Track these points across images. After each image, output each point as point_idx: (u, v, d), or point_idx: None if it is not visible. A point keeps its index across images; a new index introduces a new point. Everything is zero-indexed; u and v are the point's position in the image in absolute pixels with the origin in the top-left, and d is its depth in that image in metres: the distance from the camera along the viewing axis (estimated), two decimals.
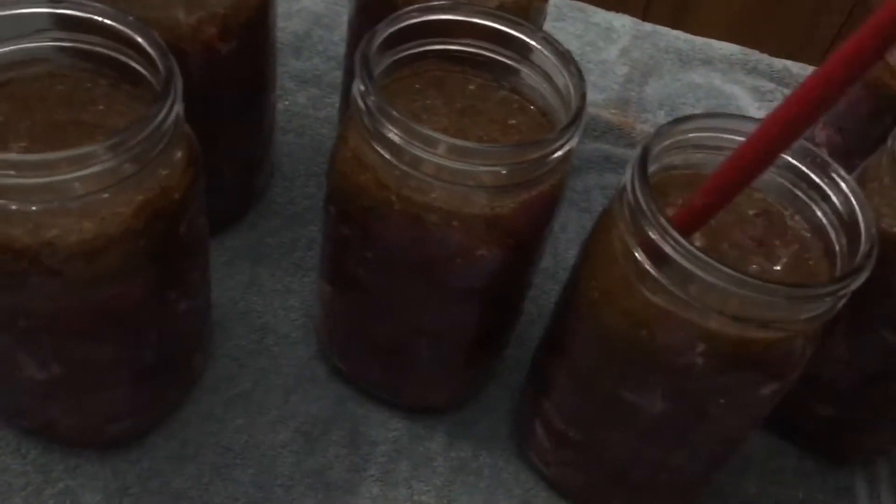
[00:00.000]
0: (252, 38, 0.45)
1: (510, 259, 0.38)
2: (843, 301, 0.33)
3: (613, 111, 0.66)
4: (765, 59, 0.73)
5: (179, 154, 0.35)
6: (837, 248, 0.35)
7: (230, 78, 0.45)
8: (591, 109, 0.65)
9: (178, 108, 0.34)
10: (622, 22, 0.73)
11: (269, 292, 0.50)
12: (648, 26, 0.74)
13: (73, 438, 0.42)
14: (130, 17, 0.35)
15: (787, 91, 0.70)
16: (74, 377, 0.38)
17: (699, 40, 0.73)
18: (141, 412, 0.42)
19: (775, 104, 0.69)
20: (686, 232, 0.33)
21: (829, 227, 0.35)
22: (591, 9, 0.74)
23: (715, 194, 0.32)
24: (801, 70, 0.72)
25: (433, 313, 0.41)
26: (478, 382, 0.47)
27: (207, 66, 0.43)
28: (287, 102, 0.60)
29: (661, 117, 0.66)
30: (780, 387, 0.35)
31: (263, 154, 0.52)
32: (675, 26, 0.75)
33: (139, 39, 0.35)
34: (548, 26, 0.71)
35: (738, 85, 0.70)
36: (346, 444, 0.45)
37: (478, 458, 0.45)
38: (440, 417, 0.47)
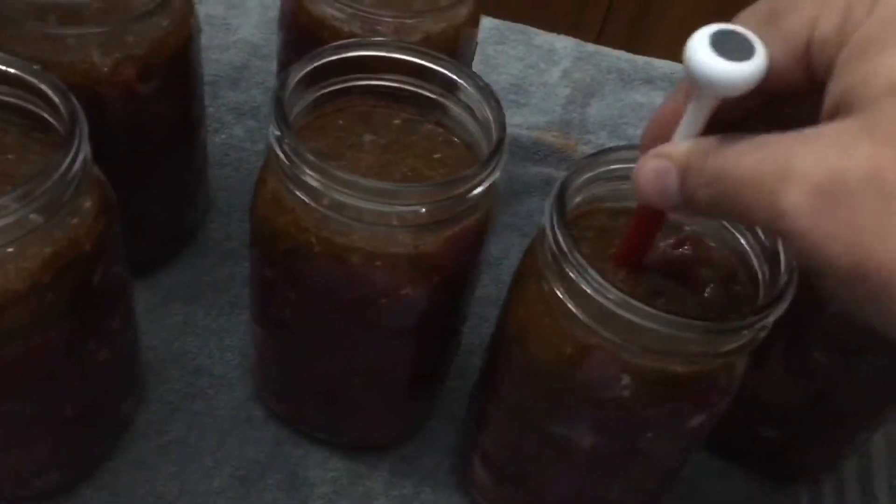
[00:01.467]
0: (174, 76, 0.44)
1: (438, 296, 0.38)
2: (765, 331, 0.32)
3: (555, 134, 0.66)
4: None
5: (89, 202, 0.35)
6: (760, 275, 0.34)
7: (153, 117, 0.44)
8: (532, 133, 0.65)
9: (85, 152, 0.33)
10: (564, 44, 0.74)
11: (204, 332, 0.49)
12: (591, 47, 0.74)
13: None
14: (33, 65, 0.34)
15: None
16: None
17: (640, 59, 0.74)
18: (67, 465, 0.41)
19: None
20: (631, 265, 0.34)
21: (752, 257, 0.35)
22: (532, 31, 0.74)
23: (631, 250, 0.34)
24: None
25: (364, 353, 0.40)
26: (418, 418, 0.47)
27: (128, 107, 0.42)
28: (224, 136, 0.59)
29: (604, 138, 0.66)
30: (708, 417, 0.35)
31: (196, 191, 0.52)
32: (629, 47, 0.75)
33: (41, 86, 0.34)
34: (489, 49, 0.71)
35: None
36: (284, 487, 0.44)
37: (419, 495, 0.45)
38: (381, 455, 0.46)
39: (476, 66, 0.69)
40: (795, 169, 0.23)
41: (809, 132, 0.24)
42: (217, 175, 0.57)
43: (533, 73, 0.70)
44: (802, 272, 0.33)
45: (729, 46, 0.26)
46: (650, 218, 0.32)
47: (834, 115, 0.24)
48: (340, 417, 0.44)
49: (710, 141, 0.27)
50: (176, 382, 0.47)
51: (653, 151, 0.28)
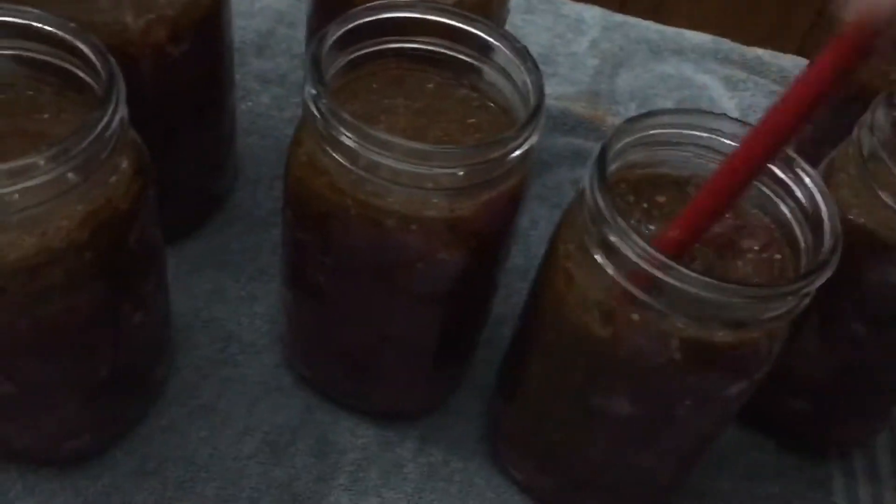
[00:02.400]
0: (205, 39, 0.43)
1: (473, 261, 0.37)
2: (808, 299, 0.32)
3: (584, 104, 0.65)
4: (737, 48, 0.72)
5: (126, 162, 0.34)
6: (803, 244, 0.34)
7: (184, 81, 0.44)
8: (561, 103, 0.64)
9: (122, 113, 0.33)
10: (592, 13, 0.73)
11: (233, 300, 0.49)
12: (619, 17, 0.73)
13: (29, 456, 0.41)
14: (70, 23, 0.34)
15: (760, 80, 0.70)
16: (27, 395, 0.37)
17: (670, 30, 0.72)
18: (99, 428, 0.41)
19: (748, 94, 0.68)
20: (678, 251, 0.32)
21: (794, 223, 0.34)
22: (560, 0, 0.73)
23: (692, 227, 0.32)
24: (773, 59, 0.71)
25: (397, 319, 0.40)
26: (448, 386, 0.46)
27: (159, 69, 0.42)
28: (250, 103, 0.59)
29: (633, 109, 0.66)
30: (748, 385, 0.35)
31: (224, 158, 0.51)
32: (652, 17, 0.74)
33: (78, 44, 0.34)
34: (517, 19, 0.70)
35: (709, 75, 0.69)
36: (314, 453, 0.44)
37: (448, 463, 0.45)
38: (410, 423, 0.46)
39: None
40: None
41: None
42: (243, 143, 0.56)
43: (560, 43, 0.69)
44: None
45: None
46: (713, 201, 0.31)
47: None
48: (370, 384, 0.44)
49: None
50: (206, 349, 0.46)
51: None
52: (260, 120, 0.58)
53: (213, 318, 0.48)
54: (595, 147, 0.63)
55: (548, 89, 0.64)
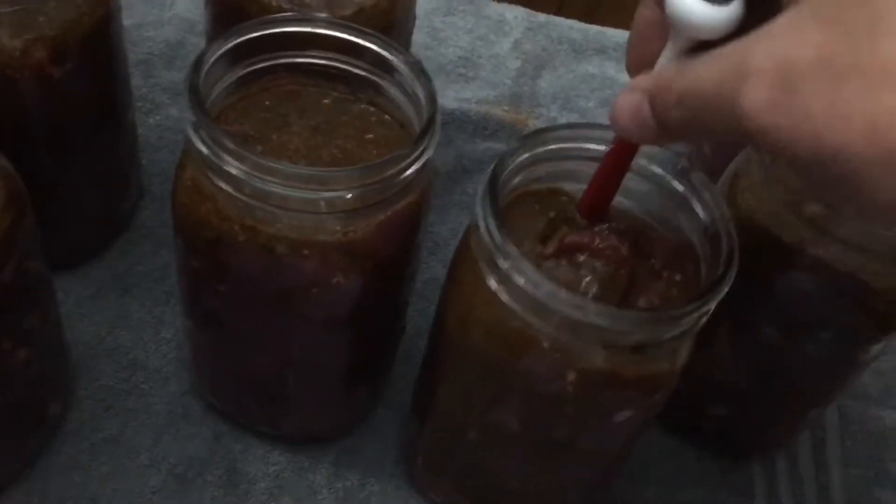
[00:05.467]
0: (92, 57, 0.41)
1: (373, 283, 0.36)
2: (707, 317, 0.31)
3: (506, 108, 0.64)
4: None
5: None
6: (703, 259, 0.33)
7: (72, 101, 0.42)
8: (482, 107, 0.63)
9: None
10: (515, 14, 0.71)
11: (138, 325, 0.47)
12: (542, 17, 0.72)
13: None
14: None
15: None
16: None
17: (593, 29, 0.72)
18: None
19: None
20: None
21: (694, 238, 0.34)
22: (482, 1, 0.72)
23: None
24: None
25: (299, 345, 0.38)
26: (361, 407, 0.45)
27: (42, 91, 0.40)
28: (158, 117, 0.57)
29: (555, 111, 0.65)
30: (655, 403, 0.34)
31: (126, 176, 0.49)
32: (588, 18, 0.73)
33: None
34: (437, 21, 0.69)
35: None
36: (224, 483, 0.42)
37: (364, 486, 0.43)
38: (325, 446, 0.44)
39: (423, 40, 0.67)
40: (752, 66, 0.23)
41: (763, 29, 0.24)
42: (151, 159, 0.54)
43: (482, 46, 0.68)
44: (743, 249, 0.32)
45: None
46: (618, 161, 0.32)
47: (787, 5, 0.24)
48: (279, 410, 0.42)
49: (677, 64, 0.28)
50: (109, 378, 0.45)
51: (624, 90, 0.29)
52: (168, 134, 0.56)
53: (117, 345, 0.46)
54: None
55: (468, 94, 0.64)
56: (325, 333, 0.38)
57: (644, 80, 0.28)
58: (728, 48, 0.24)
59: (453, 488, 0.41)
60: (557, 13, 0.73)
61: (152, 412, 0.44)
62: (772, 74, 0.22)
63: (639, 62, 0.30)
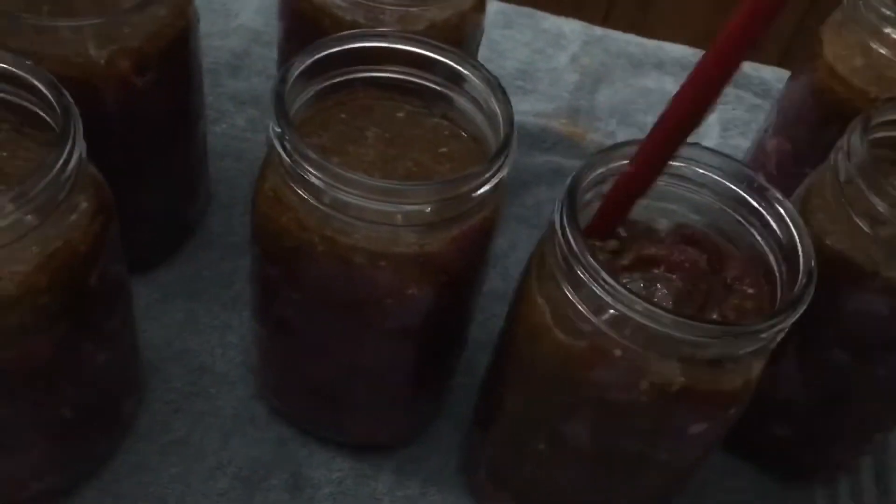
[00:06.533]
0: (172, 67, 0.43)
1: (444, 296, 0.37)
2: (783, 334, 0.31)
3: (563, 121, 0.64)
4: None
5: (85, 202, 0.33)
6: (778, 275, 0.33)
7: (151, 110, 0.43)
8: (540, 120, 0.63)
9: (80, 150, 0.32)
10: (572, 27, 0.72)
11: (205, 329, 0.48)
12: (599, 31, 0.72)
13: None
14: (24, 58, 0.33)
15: (741, 93, 0.69)
16: None
17: (651, 43, 0.72)
18: (66, 468, 0.40)
19: (729, 107, 0.68)
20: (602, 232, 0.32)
21: (769, 255, 0.34)
22: (539, 14, 0.72)
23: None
24: (755, 70, 0.70)
25: (368, 354, 0.39)
26: (425, 417, 0.46)
27: (124, 100, 0.41)
28: (224, 126, 0.58)
29: (613, 125, 0.65)
30: (726, 420, 0.34)
31: (196, 183, 0.50)
32: (634, 30, 0.73)
33: (33, 80, 0.33)
34: (496, 34, 0.70)
35: None
36: (288, 487, 0.43)
37: (425, 496, 0.44)
38: (387, 455, 0.45)
39: (482, 53, 0.67)
40: None
41: None
42: (217, 167, 0.55)
43: (540, 59, 0.69)
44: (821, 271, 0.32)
45: None
46: (632, 183, 0.32)
47: None
48: (344, 417, 0.43)
49: None
50: (177, 381, 0.46)
51: None
52: (234, 143, 0.57)
53: (185, 349, 0.47)
54: (575, 165, 0.63)
55: (527, 106, 0.65)
56: (393, 343, 0.39)
57: None
58: None
59: (516, 500, 0.41)
60: (603, 24, 0.73)
61: (219, 415, 0.45)
62: None
63: None
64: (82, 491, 0.41)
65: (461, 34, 0.46)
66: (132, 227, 0.46)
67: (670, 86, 0.69)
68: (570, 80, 0.68)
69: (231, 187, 0.55)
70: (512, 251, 0.55)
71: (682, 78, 0.67)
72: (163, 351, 0.47)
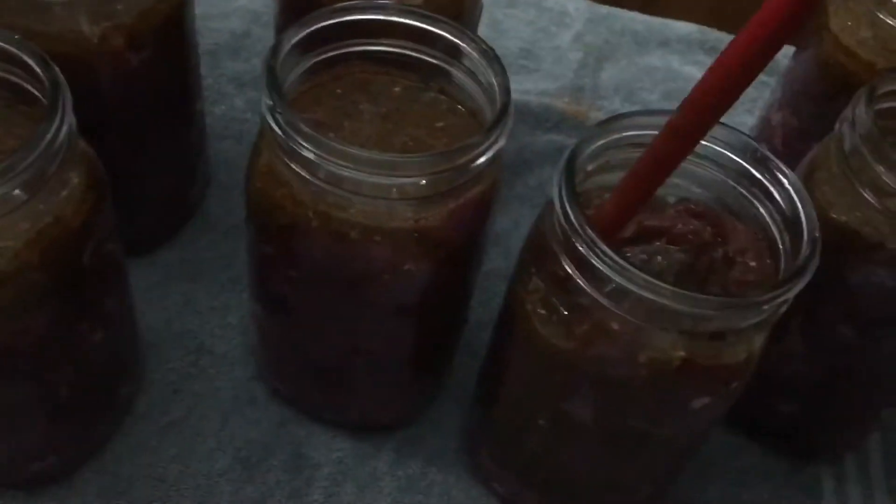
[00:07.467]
0: (167, 45, 0.42)
1: (442, 271, 0.36)
2: (787, 305, 0.31)
3: (567, 100, 0.63)
4: (724, 37, 0.70)
5: (76, 177, 0.33)
6: (781, 248, 0.33)
7: (146, 88, 0.42)
8: (543, 99, 0.63)
9: (69, 124, 0.32)
10: (576, 5, 0.71)
11: (205, 311, 0.48)
12: (604, 9, 0.71)
13: None
14: (12, 33, 0.33)
15: None
16: None
17: (656, 21, 0.71)
18: (65, 449, 0.40)
19: None
20: (611, 230, 0.30)
21: (772, 227, 0.33)
22: None
23: (636, 186, 0.30)
24: None
25: (366, 331, 0.39)
26: (425, 396, 0.45)
27: (119, 78, 0.40)
28: (224, 107, 0.58)
29: (617, 104, 0.64)
30: (729, 394, 0.33)
31: (195, 165, 0.50)
32: (644, 9, 0.72)
33: (20, 54, 0.32)
34: (498, 14, 0.69)
35: (696, 66, 0.68)
36: (288, 468, 0.43)
37: (426, 475, 0.43)
38: (387, 435, 0.45)
39: (484, 31, 0.66)
40: None
41: None
42: (218, 148, 0.55)
43: (543, 37, 0.68)
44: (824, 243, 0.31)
45: None
46: (644, 180, 0.30)
47: None
48: (344, 397, 0.43)
49: None
50: (177, 363, 0.45)
51: None
52: (234, 124, 0.57)
53: (184, 329, 0.47)
54: None
55: (529, 85, 0.64)
56: (392, 321, 0.38)
57: None
58: None
59: (519, 479, 0.41)
60: (617, 3, 0.72)
61: (219, 396, 0.44)
62: None
63: None
64: (82, 472, 0.41)
65: (460, 8, 0.45)
66: (131, 208, 0.46)
67: (676, 64, 0.68)
68: (574, 59, 0.67)
69: (231, 169, 0.54)
70: (514, 230, 0.55)
71: (688, 56, 0.66)
72: (162, 332, 0.46)
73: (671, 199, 0.35)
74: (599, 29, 0.69)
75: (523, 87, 0.63)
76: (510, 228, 0.55)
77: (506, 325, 0.37)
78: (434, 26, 0.37)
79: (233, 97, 0.59)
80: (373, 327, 0.38)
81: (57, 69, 0.32)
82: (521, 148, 0.60)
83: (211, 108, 0.57)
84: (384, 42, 0.38)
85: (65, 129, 0.31)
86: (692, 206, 0.35)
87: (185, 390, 0.44)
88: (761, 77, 0.68)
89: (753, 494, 0.46)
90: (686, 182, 0.35)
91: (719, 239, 0.34)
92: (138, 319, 0.43)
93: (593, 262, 0.30)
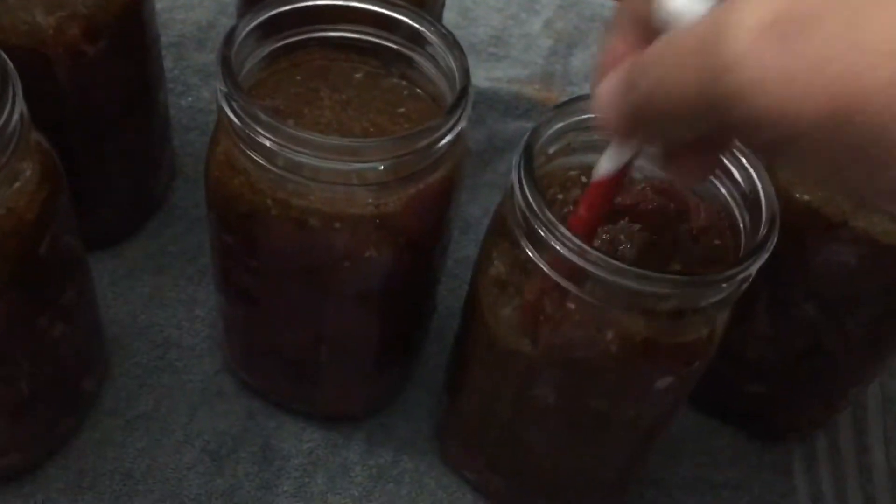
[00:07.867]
0: (125, 36, 0.42)
1: (404, 258, 0.36)
2: (747, 283, 0.31)
3: (537, 87, 0.63)
4: None
5: (29, 169, 0.33)
6: (742, 225, 0.33)
7: (105, 80, 0.42)
8: (513, 86, 0.62)
9: (19, 111, 0.31)
10: None
11: (172, 303, 0.47)
12: None
13: None
14: None
15: None
16: None
17: None
18: (28, 445, 0.39)
19: None
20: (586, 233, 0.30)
21: (732, 205, 0.33)
22: None
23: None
24: None
25: (331, 320, 0.38)
26: (394, 385, 0.45)
27: (76, 69, 0.40)
28: (190, 99, 0.57)
29: (588, 89, 0.64)
30: (692, 374, 0.33)
31: (159, 157, 0.49)
32: None
33: None
34: (468, 1, 0.68)
35: None
36: (257, 460, 0.42)
37: (398, 464, 0.43)
38: (358, 424, 0.44)
39: (454, 19, 0.67)
40: (734, 16, 0.19)
41: None
42: (184, 140, 0.54)
43: (513, 24, 0.68)
44: (781, 223, 0.31)
45: None
46: (605, 186, 0.29)
47: None
48: (312, 387, 0.42)
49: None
50: (143, 356, 0.45)
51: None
52: (200, 116, 0.56)
53: (151, 323, 0.46)
54: None
55: (500, 72, 0.64)
56: (356, 309, 0.38)
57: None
58: (709, 12, 0.21)
59: (487, 465, 0.41)
60: None
61: (186, 389, 0.44)
62: (762, 18, 0.18)
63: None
64: (46, 468, 0.40)
65: None
66: (95, 201, 0.45)
67: None
68: (544, 46, 0.66)
69: (197, 161, 0.54)
70: (485, 218, 0.54)
71: None
72: (128, 326, 0.46)
73: (635, 178, 0.35)
74: (570, 15, 0.69)
75: (493, 75, 0.62)
76: (480, 216, 0.55)
77: (471, 310, 0.37)
78: (394, 11, 0.37)
79: (199, 88, 0.58)
80: (337, 316, 0.38)
81: (5, 56, 0.31)
82: (491, 135, 0.59)
83: (177, 100, 0.56)
84: (344, 28, 0.38)
85: (15, 117, 0.31)
86: (656, 184, 0.35)
87: (151, 384, 0.44)
88: None
89: (726, 475, 0.46)
90: (649, 162, 0.35)
91: (682, 218, 0.34)
92: (103, 313, 0.43)
93: (553, 244, 0.30)
